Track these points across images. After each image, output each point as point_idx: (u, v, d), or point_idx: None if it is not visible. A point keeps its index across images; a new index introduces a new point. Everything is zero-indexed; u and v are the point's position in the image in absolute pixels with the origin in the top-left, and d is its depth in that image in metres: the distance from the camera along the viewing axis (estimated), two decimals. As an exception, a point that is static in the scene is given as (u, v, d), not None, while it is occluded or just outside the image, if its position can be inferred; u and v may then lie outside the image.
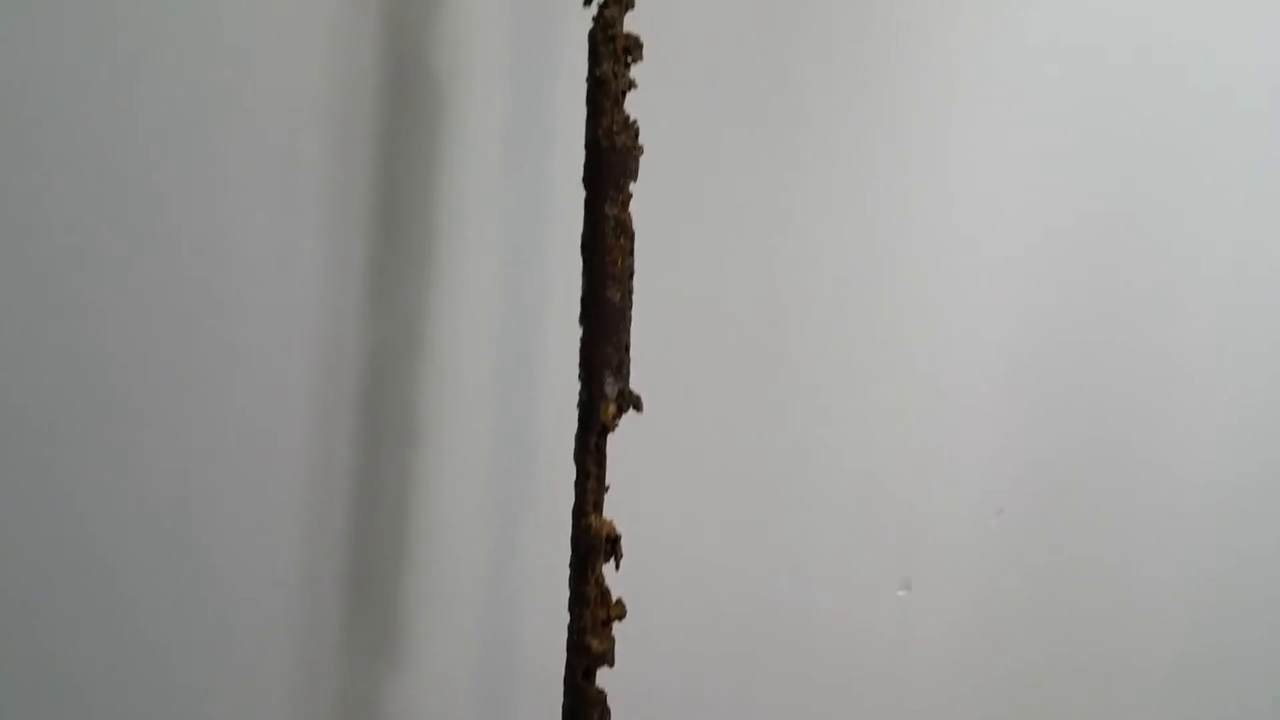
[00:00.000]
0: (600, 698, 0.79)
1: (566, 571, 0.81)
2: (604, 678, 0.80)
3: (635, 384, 0.80)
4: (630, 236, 0.77)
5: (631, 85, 0.77)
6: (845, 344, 1.11)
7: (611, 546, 0.79)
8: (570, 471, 0.80)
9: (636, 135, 0.76)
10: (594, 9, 0.75)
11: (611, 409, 0.79)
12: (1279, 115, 1.21)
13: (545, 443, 0.93)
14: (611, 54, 0.74)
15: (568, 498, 0.81)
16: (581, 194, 0.78)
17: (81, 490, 0.82)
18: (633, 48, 0.76)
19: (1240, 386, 1.27)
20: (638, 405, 0.80)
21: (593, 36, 0.74)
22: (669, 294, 0.97)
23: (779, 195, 1.04)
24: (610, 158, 0.75)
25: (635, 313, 0.79)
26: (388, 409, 0.93)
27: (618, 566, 0.80)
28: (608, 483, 0.81)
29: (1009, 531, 1.18)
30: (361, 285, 0.92)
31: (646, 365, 0.81)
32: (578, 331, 0.79)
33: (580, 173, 0.78)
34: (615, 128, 0.75)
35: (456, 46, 0.92)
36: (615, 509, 0.81)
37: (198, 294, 0.87)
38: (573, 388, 0.80)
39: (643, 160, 0.77)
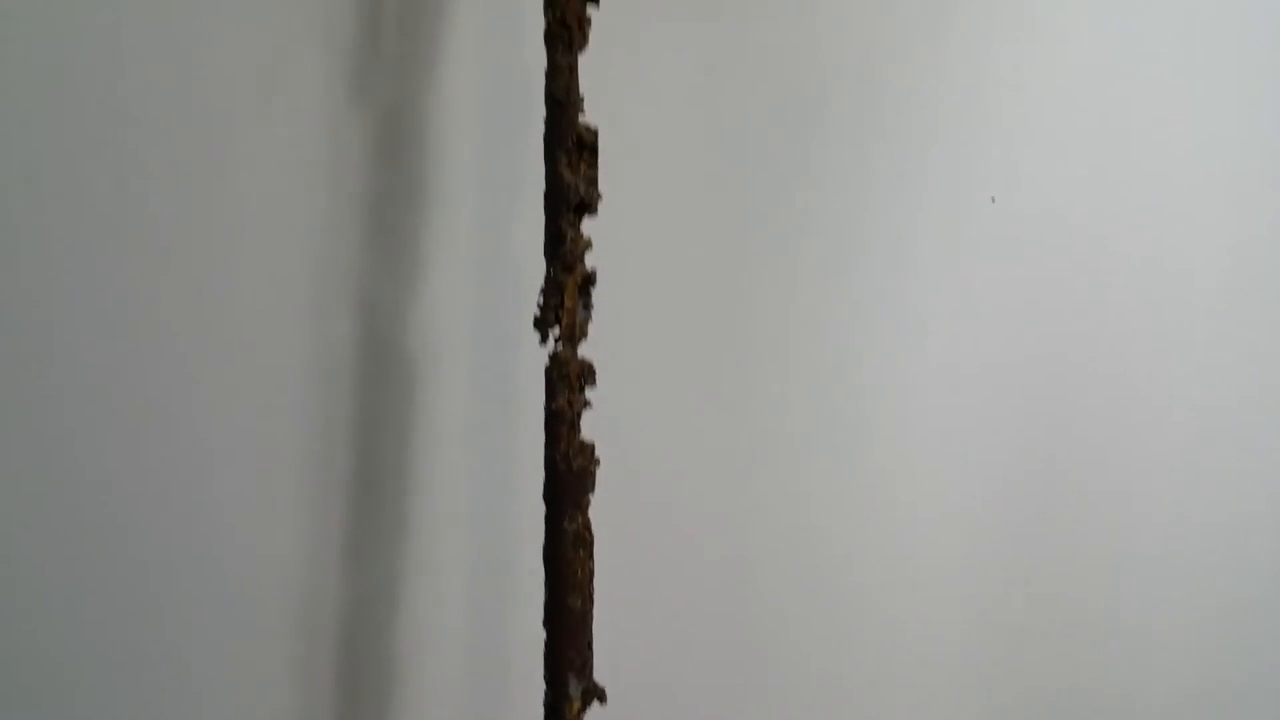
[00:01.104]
0: None
1: None
2: None
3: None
4: (589, 547, 0.82)
5: (587, 405, 0.83)
6: (805, 578, 1.15)
7: (579, 842, 0.83)
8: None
9: (592, 455, 0.82)
10: (550, 345, 0.81)
11: (576, 706, 0.83)
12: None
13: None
14: (566, 387, 0.80)
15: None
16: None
17: None
18: (586, 374, 0.82)
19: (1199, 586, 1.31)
20: (601, 698, 0.85)
21: (549, 373, 0.80)
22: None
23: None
24: (568, 480, 0.81)
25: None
26: (364, 675, 0.98)
27: None
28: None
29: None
30: (339, 547, 0.98)
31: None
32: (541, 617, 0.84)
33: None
34: (572, 452, 0.81)
35: (428, 331, 0.99)
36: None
37: (185, 558, 0.93)
38: (538, 675, 0.85)
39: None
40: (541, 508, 0.83)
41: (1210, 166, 1.12)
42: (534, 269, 0.82)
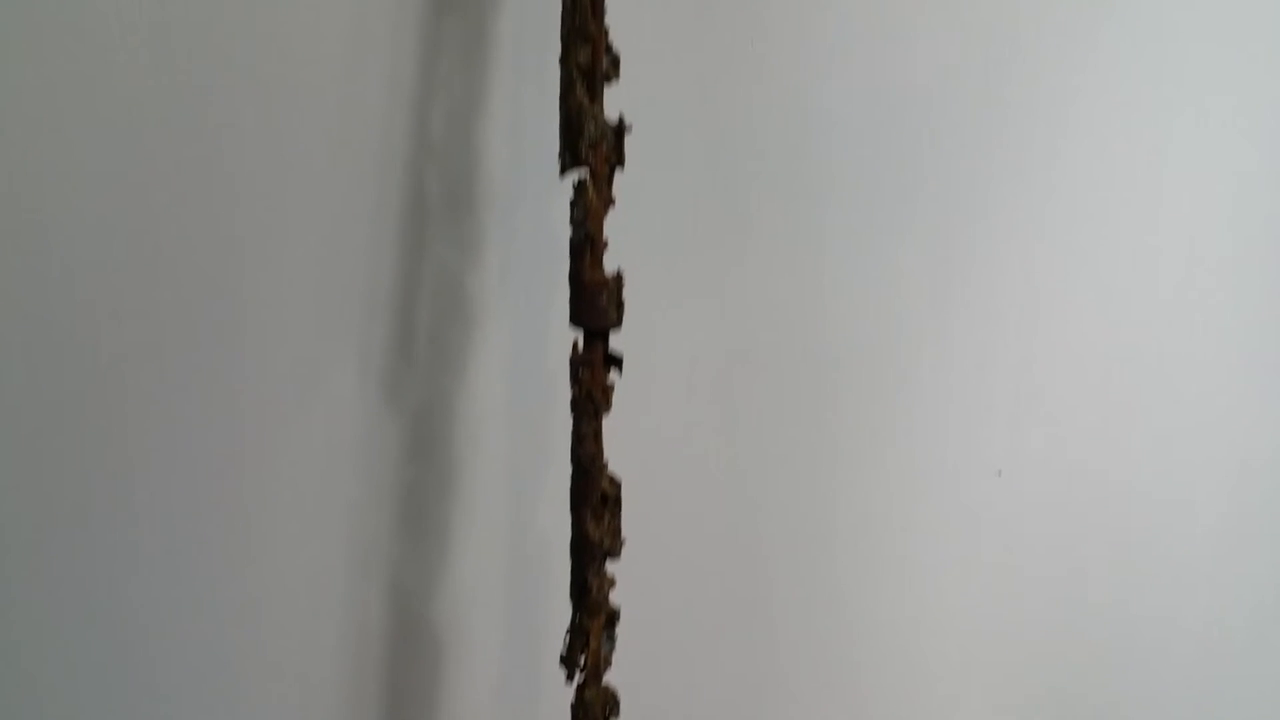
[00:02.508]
0: None
1: None
2: None
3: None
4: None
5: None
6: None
7: None
8: None
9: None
10: (577, 680, 0.85)
11: None
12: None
13: None
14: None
15: None
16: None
17: None
18: (610, 705, 0.85)
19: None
20: None
21: (574, 709, 0.84)
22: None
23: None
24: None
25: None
26: None
27: None
28: None
29: None
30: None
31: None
32: None
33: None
34: None
35: (456, 617, 1.03)
36: None
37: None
38: None
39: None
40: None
41: (1210, 427, 1.16)
42: (559, 558, 0.86)
